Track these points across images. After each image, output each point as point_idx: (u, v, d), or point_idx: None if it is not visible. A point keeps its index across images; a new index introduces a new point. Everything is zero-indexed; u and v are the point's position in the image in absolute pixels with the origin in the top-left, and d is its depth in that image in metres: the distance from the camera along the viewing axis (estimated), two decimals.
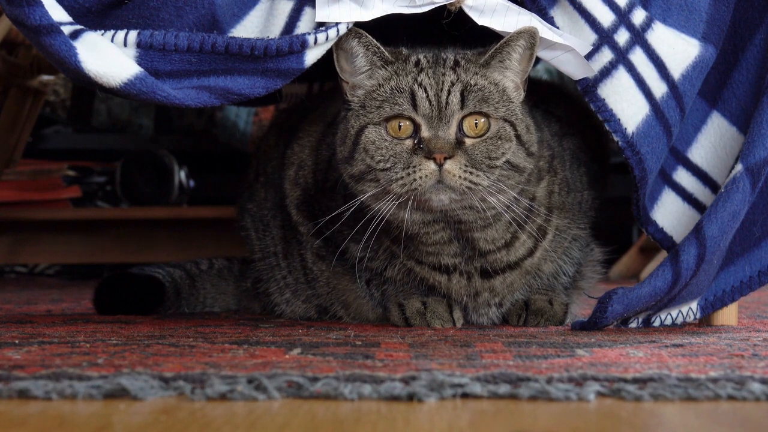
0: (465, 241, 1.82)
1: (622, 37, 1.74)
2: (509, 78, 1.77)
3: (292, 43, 1.65)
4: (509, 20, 1.72)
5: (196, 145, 4.32)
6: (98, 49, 1.58)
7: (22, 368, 1.21)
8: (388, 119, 1.73)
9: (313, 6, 1.68)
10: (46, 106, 4.23)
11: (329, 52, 1.71)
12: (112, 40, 1.62)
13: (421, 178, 1.67)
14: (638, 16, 1.74)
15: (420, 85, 1.72)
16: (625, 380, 1.14)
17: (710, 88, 1.85)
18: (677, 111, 1.77)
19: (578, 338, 1.62)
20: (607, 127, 1.75)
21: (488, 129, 1.72)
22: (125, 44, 1.62)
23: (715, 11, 1.79)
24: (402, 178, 1.69)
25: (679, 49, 1.75)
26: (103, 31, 1.63)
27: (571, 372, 1.19)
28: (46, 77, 3.28)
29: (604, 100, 1.75)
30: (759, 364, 1.30)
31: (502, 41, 1.74)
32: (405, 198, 1.70)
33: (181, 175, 4.08)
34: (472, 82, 1.73)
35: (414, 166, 1.68)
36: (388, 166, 1.71)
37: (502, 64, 1.76)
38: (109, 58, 1.57)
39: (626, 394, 1.10)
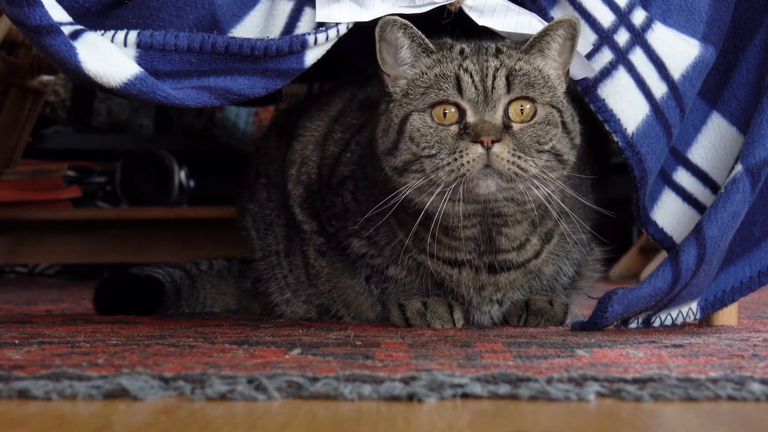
0: (488, 237, 1.81)
1: (622, 37, 1.74)
2: (551, 66, 1.76)
3: (292, 44, 1.65)
4: (509, 20, 1.72)
5: (196, 145, 4.32)
6: (98, 49, 1.58)
7: (22, 368, 1.21)
8: (432, 105, 1.71)
9: (313, 6, 1.69)
10: (46, 106, 4.24)
11: (329, 52, 1.71)
12: (112, 40, 1.62)
13: (468, 162, 1.65)
14: (638, 16, 1.74)
15: (465, 70, 1.71)
16: (625, 380, 1.14)
17: (710, 88, 1.85)
18: (677, 111, 1.77)
19: (578, 338, 1.62)
20: (607, 128, 1.75)
21: (534, 114, 1.71)
22: (125, 44, 1.62)
23: (715, 11, 1.79)
24: (449, 164, 1.67)
25: (679, 49, 1.75)
26: (103, 31, 1.63)
27: (571, 372, 1.19)
28: (46, 77, 3.28)
29: (604, 100, 1.75)
30: (759, 364, 1.30)
31: (541, 30, 1.73)
32: (453, 186, 1.67)
33: (181, 175, 4.08)
34: (517, 67, 1.72)
35: (461, 151, 1.66)
36: (434, 152, 1.69)
37: (542, 53, 1.75)
38: (109, 58, 1.57)
39: (626, 395, 1.10)
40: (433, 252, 1.84)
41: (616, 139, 1.75)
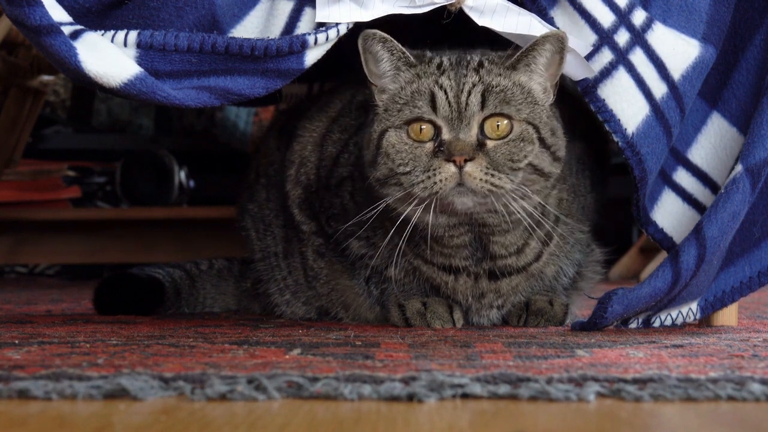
0: (481, 244, 1.82)
1: (623, 37, 1.74)
2: (536, 81, 1.75)
3: (292, 44, 1.65)
4: (509, 21, 1.72)
5: (196, 145, 4.32)
6: (98, 49, 1.58)
7: (22, 368, 1.21)
8: (408, 122, 1.72)
9: (313, 6, 1.69)
10: (46, 106, 4.23)
11: (329, 52, 1.71)
12: (112, 41, 1.62)
13: (441, 181, 1.66)
14: (638, 16, 1.74)
15: (440, 87, 1.71)
16: (625, 381, 1.14)
17: (710, 88, 1.85)
18: (677, 111, 1.77)
19: (578, 339, 1.62)
20: (607, 128, 1.75)
21: (510, 131, 1.70)
22: (125, 44, 1.62)
23: (715, 12, 1.79)
24: (423, 181, 1.68)
25: (679, 49, 1.75)
26: (103, 32, 1.63)
27: (571, 372, 1.19)
28: (46, 77, 3.28)
29: (604, 100, 1.75)
30: (759, 364, 1.30)
31: (528, 45, 1.73)
32: (428, 202, 1.69)
33: (181, 175, 4.08)
34: (494, 83, 1.72)
35: (434, 169, 1.67)
36: (409, 169, 1.70)
37: (528, 68, 1.74)
38: (109, 58, 1.57)
39: (626, 395, 1.10)
40: (427, 257, 1.84)
41: (616, 139, 1.75)
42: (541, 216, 1.80)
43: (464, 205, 1.70)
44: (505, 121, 1.70)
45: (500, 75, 1.73)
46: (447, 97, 1.70)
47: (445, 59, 1.77)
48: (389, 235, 1.84)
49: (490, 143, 1.69)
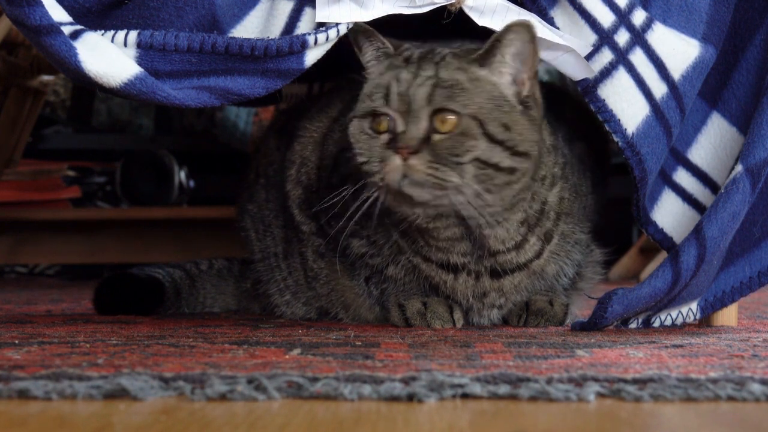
0: (476, 239, 1.81)
1: (623, 37, 1.74)
2: (505, 73, 1.74)
3: (292, 44, 1.65)
4: (509, 21, 1.72)
5: (196, 145, 4.32)
6: (98, 49, 1.58)
7: (22, 368, 1.21)
8: (365, 114, 1.75)
9: (313, 6, 1.69)
10: (46, 106, 4.24)
11: (329, 52, 1.71)
12: (112, 41, 1.62)
13: (388, 172, 1.68)
14: (638, 16, 1.74)
15: (398, 80, 1.73)
16: (625, 381, 1.14)
17: (710, 88, 1.85)
18: (677, 111, 1.77)
19: (578, 339, 1.62)
20: (607, 128, 1.75)
21: (457, 126, 1.70)
22: (125, 44, 1.62)
23: (715, 12, 1.79)
24: (377, 171, 1.70)
25: (679, 49, 1.75)
26: (103, 32, 1.63)
27: (571, 372, 1.19)
28: (46, 77, 3.28)
29: (604, 100, 1.75)
30: (759, 364, 1.30)
31: (493, 37, 1.72)
32: (384, 191, 1.71)
33: (181, 175, 4.08)
34: (446, 77, 1.72)
35: (383, 161, 1.69)
36: (365, 159, 1.73)
37: (493, 60, 1.73)
38: (109, 58, 1.57)
39: (626, 395, 1.10)
40: (425, 254, 1.84)
41: (616, 139, 1.75)
42: (540, 212, 1.80)
43: (421, 196, 1.70)
44: (452, 116, 1.70)
45: (458, 69, 1.73)
46: (398, 91, 1.72)
47: (416, 52, 1.78)
48: (389, 232, 1.85)
49: (436, 137, 1.70)
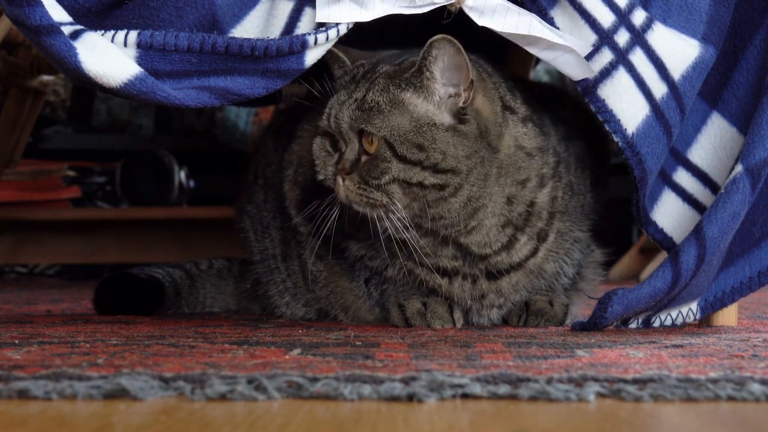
0: (458, 245, 1.82)
1: (623, 37, 1.74)
2: (435, 90, 1.73)
3: (292, 44, 1.65)
4: (509, 21, 1.72)
5: (196, 145, 4.32)
6: (98, 49, 1.58)
7: (22, 368, 1.21)
8: (318, 132, 1.81)
9: (313, 6, 1.68)
10: (46, 106, 4.24)
11: (330, 52, 1.71)
12: (112, 41, 1.62)
13: (337, 192, 1.75)
14: (638, 16, 1.74)
15: (337, 101, 1.78)
16: (625, 381, 1.14)
17: (710, 88, 1.85)
18: (677, 111, 1.77)
19: (578, 339, 1.62)
20: (607, 128, 1.75)
21: (378, 148, 1.72)
22: (125, 44, 1.62)
23: (715, 12, 1.79)
24: (332, 188, 1.76)
25: (679, 49, 1.75)
26: (103, 32, 1.63)
27: (571, 372, 1.19)
28: (46, 77, 3.28)
29: (604, 100, 1.75)
30: (759, 364, 1.30)
31: (420, 54, 1.71)
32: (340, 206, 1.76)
33: (181, 175, 4.08)
34: (369, 99, 1.73)
35: (333, 180, 1.76)
36: (322, 177, 1.79)
37: (419, 79, 1.72)
38: (109, 58, 1.57)
39: (626, 395, 1.10)
40: (416, 258, 1.84)
41: (616, 139, 1.75)
42: (527, 213, 1.81)
43: (367, 213, 1.75)
44: (372, 138, 1.73)
45: (382, 90, 1.74)
46: (333, 113, 1.77)
47: (360, 70, 1.80)
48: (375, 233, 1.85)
49: (363, 159, 1.73)
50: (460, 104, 1.74)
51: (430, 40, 1.69)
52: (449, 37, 1.69)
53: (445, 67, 1.72)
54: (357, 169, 1.72)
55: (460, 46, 1.69)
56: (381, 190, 1.71)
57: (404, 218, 1.73)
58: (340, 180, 1.74)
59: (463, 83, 1.73)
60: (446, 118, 1.73)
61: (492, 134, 1.76)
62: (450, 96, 1.74)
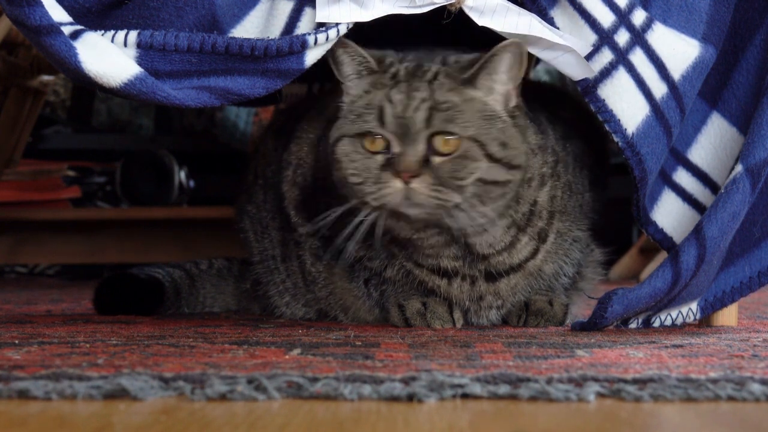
0: (464, 244, 1.82)
1: (623, 37, 1.74)
2: (496, 91, 1.75)
3: (292, 44, 1.65)
4: (509, 21, 1.72)
5: (196, 145, 4.32)
6: (98, 49, 1.58)
7: (22, 368, 1.21)
8: (359, 134, 1.73)
9: (313, 6, 1.68)
10: (46, 106, 4.23)
11: (330, 52, 1.71)
12: (112, 41, 1.62)
13: (388, 195, 1.69)
14: (638, 16, 1.74)
15: (390, 101, 1.72)
16: (625, 381, 1.14)
17: (710, 88, 1.85)
18: (677, 111, 1.77)
19: (578, 339, 1.62)
20: (607, 128, 1.75)
21: (457, 148, 1.70)
22: (125, 44, 1.62)
23: (715, 12, 1.79)
24: (373, 192, 1.70)
25: (679, 49, 1.75)
26: (103, 32, 1.63)
27: (571, 372, 1.19)
28: (46, 77, 3.28)
29: (604, 100, 1.75)
30: (759, 364, 1.30)
31: (487, 55, 1.72)
32: (379, 212, 1.71)
33: (181, 175, 4.08)
34: (442, 99, 1.71)
35: (383, 182, 1.69)
36: (360, 180, 1.72)
37: (488, 79, 1.74)
38: (109, 58, 1.57)
39: (626, 395, 1.10)
40: (415, 259, 1.84)
41: (616, 139, 1.75)
42: (530, 213, 1.81)
43: (417, 215, 1.71)
44: (451, 138, 1.70)
45: (452, 90, 1.73)
46: (394, 112, 1.71)
47: (401, 68, 1.77)
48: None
49: (436, 159, 1.69)
50: (513, 103, 1.77)
51: (502, 43, 1.70)
52: (519, 42, 1.70)
53: (507, 69, 1.74)
54: (429, 170, 1.68)
55: (526, 52, 1.71)
56: (458, 190, 1.69)
57: (468, 215, 1.71)
58: (397, 183, 1.67)
59: (515, 84, 1.76)
60: (507, 116, 1.76)
61: None
62: (505, 97, 1.76)
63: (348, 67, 1.78)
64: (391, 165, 1.69)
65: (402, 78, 1.75)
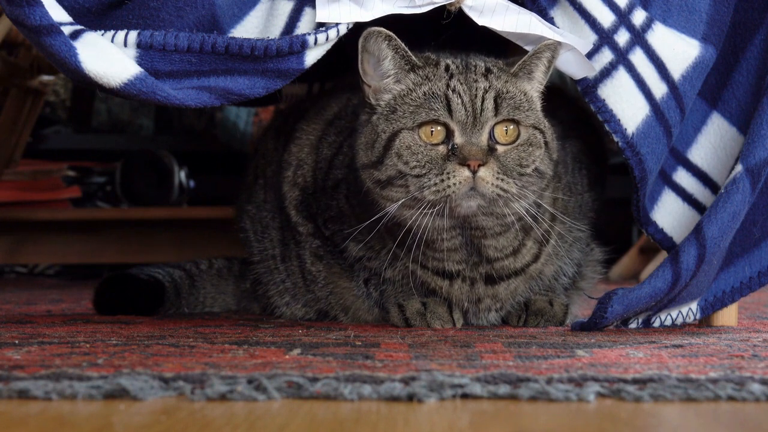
0: (474, 248, 1.82)
1: (623, 37, 1.74)
2: (534, 88, 1.79)
3: (292, 44, 1.65)
4: (509, 20, 1.72)
5: (196, 145, 4.32)
6: (98, 49, 1.58)
7: (22, 368, 1.21)
8: (421, 125, 1.72)
9: (313, 6, 1.68)
10: (46, 106, 4.24)
11: (329, 52, 1.71)
12: (112, 41, 1.62)
13: (455, 185, 1.67)
14: (638, 16, 1.74)
15: (454, 90, 1.72)
16: (625, 381, 1.14)
17: (710, 88, 1.85)
18: (677, 111, 1.77)
19: (578, 339, 1.62)
20: (607, 128, 1.75)
21: (518, 136, 1.72)
22: (125, 44, 1.62)
23: (715, 12, 1.79)
24: (436, 184, 1.68)
25: (679, 49, 1.75)
26: (103, 32, 1.63)
27: (571, 372, 1.19)
28: (46, 77, 3.28)
29: (604, 100, 1.75)
30: (759, 364, 1.30)
31: (530, 53, 1.75)
32: (438, 206, 1.69)
33: (181, 175, 4.08)
34: (504, 89, 1.74)
35: (448, 173, 1.68)
36: (424, 172, 1.70)
37: (530, 75, 1.78)
38: (109, 58, 1.57)
39: (626, 395, 1.10)
40: (421, 261, 1.84)
41: (616, 139, 1.75)
42: (537, 214, 1.81)
43: (470, 208, 1.71)
44: (513, 126, 1.72)
45: (507, 81, 1.76)
46: (462, 102, 1.71)
47: (450, 63, 1.77)
48: (384, 239, 1.84)
49: (500, 148, 1.71)
50: (540, 106, 1.81)
51: (545, 43, 1.73)
52: (558, 43, 1.72)
53: (545, 69, 1.78)
54: (494, 159, 1.69)
55: (558, 53, 1.74)
56: (518, 179, 1.70)
57: (530, 203, 1.73)
58: (465, 172, 1.67)
59: (542, 86, 1.80)
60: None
61: None
62: (539, 97, 1.80)
63: (390, 62, 1.76)
64: (455, 155, 1.69)
65: (456, 71, 1.76)
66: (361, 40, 1.73)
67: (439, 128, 1.71)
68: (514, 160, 1.71)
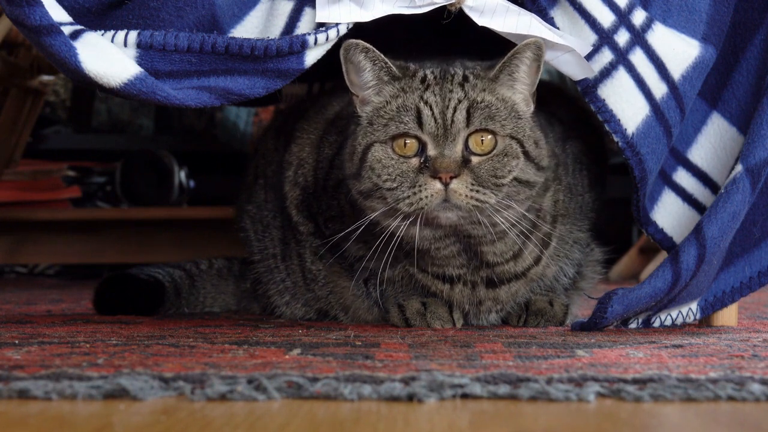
0: (473, 253, 1.81)
1: (623, 37, 1.74)
2: (519, 91, 1.76)
3: (292, 44, 1.65)
4: (509, 21, 1.72)
5: (196, 145, 4.32)
6: (98, 49, 1.58)
7: (22, 368, 1.21)
8: (393, 137, 1.71)
9: (313, 6, 1.69)
10: (46, 106, 4.24)
11: (329, 52, 1.71)
12: (112, 41, 1.62)
13: (427, 197, 1.67)
14: (638, 16, 1.74)
15: (426, 102, 1.71)
16: (625, 381, 1.14)
17: (710, 88, 1.85)
18: (677, 111, 1.77)
19: (578, 339, 1.62)
20: (607, 128, 1.75)
21: (495, 146, 1.70)
22: (125, 44, 1.62)
23: (715, 12, 1.79)
24: (409, 197, 1.68)
25: (679, 49, 1.75)
26: (103, 32, 1.63)
27: (571, 372, 1.19)
28: (46, 77, 3.28)
29: (604, 100, 1.75)
30: (759, 364, 1.30)
31: (509, 54, 1.73)
32: (413, 217, 1.69)
33: (181, 175, 4.08)
34: (479, 98, 1.72)
35: (420, 185, 1.67)
36: (395, 185, 1.70)
37: (511, 77, 1.75)
38: (109, 58, 1.57)
39: (626, 395, 1.10)
40: (420, 266, 1.84)
41: (616, 139, 1.75)
42: (537, 219, 1.80)
43: (449, 219, 1.70)
44: (489, 137, 1.70)
45: (484, 90, 1.73)
46: (433, 113, 1.70)
47: (428, 73, 1.76)
48: (379, 246, 1.84)
49: (474, 159, 1.69)
50: (531, 110, 1.78)
51: (524, 42, 1.70)
52: (540, 41, 1.70)
53: (528, 69, 1.75)
54: (468, 170, 1.68)
55: (544, 52, 1.71)
56: (495, 190, 1.68)
57: (518, 214, 1.71)
58: (437, 185, 1.66)
59: (531, 89, 1.77)
60: (529, 117, 1.77)
61: None
62: (526, 97, 1.77)
63: (369, 74, 1.76)
64: (428, 167, 1.68)
65: (432, 81, 1.74)
66: (342, 51, 1.73)
67: (410, 141, 1.70)
68: (488, 171, 1.69)
